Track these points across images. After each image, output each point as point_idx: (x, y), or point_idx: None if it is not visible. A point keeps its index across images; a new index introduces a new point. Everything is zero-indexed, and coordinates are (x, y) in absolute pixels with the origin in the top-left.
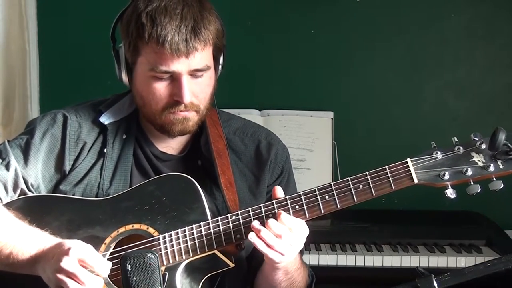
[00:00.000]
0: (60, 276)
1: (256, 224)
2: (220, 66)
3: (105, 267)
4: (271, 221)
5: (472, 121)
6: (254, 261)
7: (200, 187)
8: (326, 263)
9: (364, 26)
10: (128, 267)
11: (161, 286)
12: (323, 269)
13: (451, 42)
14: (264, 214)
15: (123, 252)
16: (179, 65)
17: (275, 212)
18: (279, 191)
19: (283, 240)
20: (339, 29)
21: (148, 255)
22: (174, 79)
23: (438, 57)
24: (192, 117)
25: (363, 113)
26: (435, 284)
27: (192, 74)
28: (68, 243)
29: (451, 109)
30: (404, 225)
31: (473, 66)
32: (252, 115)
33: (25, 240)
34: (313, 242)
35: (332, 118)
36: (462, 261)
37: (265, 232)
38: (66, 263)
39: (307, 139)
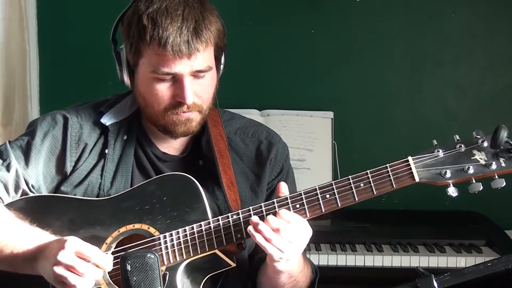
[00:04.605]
0: (58, 270)
1: (255, 218)
2: (221, 66)
3: (105, 258)
4: (269, 216)
5: (472, 120)
6: (256, 259)
7: (202, 186)
8: (326, 263)
9: (364, 26)
10: (128, 267)
11: (161, 286)
12: (323, 269)
13: (451, 42)
14: (265, 213)
15: (123, 252)
16: (181, 67)
17: (275, 211)
18: (283, 187)
19: (282, 234)
20: (339, 29)
21: (148, 255)
22: (176, 80)
23: (438, 57)
24: (195, 118)
25: (363, 113)
26: (435, 284)
27: (194, 75)
28: (65, 238)
29: (451, 109)
30: (404, 225)
31: (473, 66)
32: (252, 115)
33: (25, 240)
34: (313, 242)
35: (332, 118)
36: (462, 261)
37: (263, 226)
38: (63, 255)
39: (307, 139)
